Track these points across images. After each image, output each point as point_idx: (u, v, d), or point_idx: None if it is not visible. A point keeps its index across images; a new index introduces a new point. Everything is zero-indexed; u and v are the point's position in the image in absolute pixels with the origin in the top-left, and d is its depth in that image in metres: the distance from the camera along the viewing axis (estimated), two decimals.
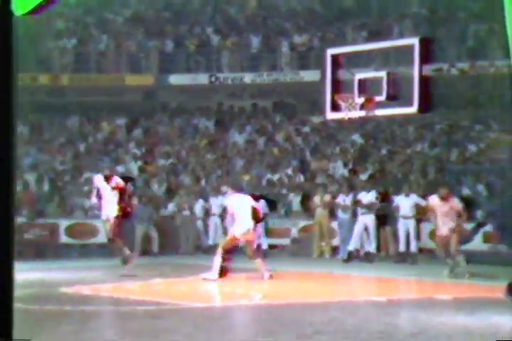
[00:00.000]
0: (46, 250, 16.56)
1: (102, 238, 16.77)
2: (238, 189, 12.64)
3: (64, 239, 17.32)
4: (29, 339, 4.70)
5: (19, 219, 17.84)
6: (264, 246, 16.52)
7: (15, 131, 2.23)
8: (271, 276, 12.03)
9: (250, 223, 11.91)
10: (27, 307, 9.22)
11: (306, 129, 22.04)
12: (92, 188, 12.76)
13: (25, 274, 12.75)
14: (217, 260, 11.96)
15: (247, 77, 23.60)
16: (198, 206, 17.51)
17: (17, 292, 9.42)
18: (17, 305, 9.10)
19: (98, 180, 12.59)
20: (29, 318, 8.60)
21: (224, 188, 12.54)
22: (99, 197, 12.43)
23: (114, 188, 12.21)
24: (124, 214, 12.39)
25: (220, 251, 12.01)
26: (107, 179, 12.40)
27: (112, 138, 22.82)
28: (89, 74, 24.60)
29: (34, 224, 17.40)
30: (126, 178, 13.14)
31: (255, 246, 12.69)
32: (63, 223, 17.45)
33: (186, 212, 17.47)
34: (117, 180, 12.39)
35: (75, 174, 19.90)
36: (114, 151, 21.92)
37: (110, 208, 12.28)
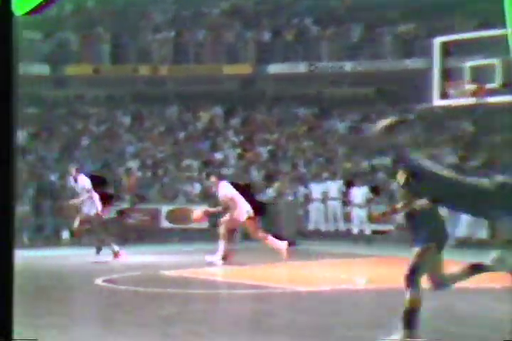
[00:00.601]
0: (148, 234, 16.81)
1: (202, 223, 16.94)
2: (222, 178, 12.72)
3: (165, 223, 17.54)
4: (30, 339, 4.71)
5: (122, 205, 18.28)
6: (368, 232, 16.32)
7: (16, 131, 2.28)
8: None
9: (249, 206, 12.05)
10: (131, 289, 9.36)
11: (411, 117, 21.60)
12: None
13: (128, 257, 12.94)
14: (221, 243, 11.95)
15: (348, 66, 23.45)
16: (299, 192, 17.55)
17: (121, 274, 9.48)
18: (122, 287, 9.15)
19: (71, 182, 13.01)
20: (133, 299, 8.69)
21: (212, 178, 12.35)
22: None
23: (82, 189, 12.49)
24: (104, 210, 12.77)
25: (223, 235, 11.97)
26: (76, 180, 12.67)
27: (210, 127, 23.11)
28: (187, 64, 25.15)
29: (136, 210, 17.72)
30: (96, 177, 13.33)
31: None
32: (164, 208, 17.68)
33: (288, 198, 17.49)
34: (83, 182, 12.56)
35: (175, 161, 20.24)
36: (213, 139, 22.19)
37: (89, 206, 12.54)
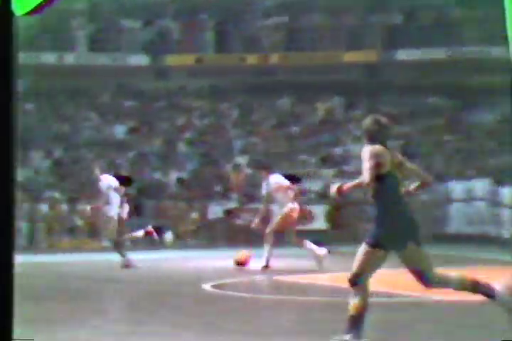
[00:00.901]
0: (258, 236, 16.96)
1: (319, 224, 16.92)
2: (271, 170, 12.86)
3: None
4: (30, 339, 4.83)
5: (230, 204, 18.43)
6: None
7: (16, 132, 2.48)
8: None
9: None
10: (243, 295, 9.42)
11: None
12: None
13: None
14: (266, 247, 12.15)
15: (497, 51, 22.79)
16: (437, 190, 17.30)
17: (231, 279, 9.43)
18: (232, 293, 9.14)
19: (97, 181, 13.11)
20: (246, 306, 8.68)
21: (262, 172, 12.70)
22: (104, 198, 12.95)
23: (108, 189, 12.77)
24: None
25: (268, 237, 12.14)
26: (100, 179, 13.00)
27: (329, 119, 23.10)
28: (301, 52, 25.30)
29: (245, 209, 17.86)
30: (122, 178, 13.45)
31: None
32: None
33: (424, 196, 17.25)
34: (108, 181, 12.83)
35: (289, 157, 20.32)
36: (332, 132, 22.16)
37: (109, 208, 12.83)
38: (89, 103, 25.94)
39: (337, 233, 17.36)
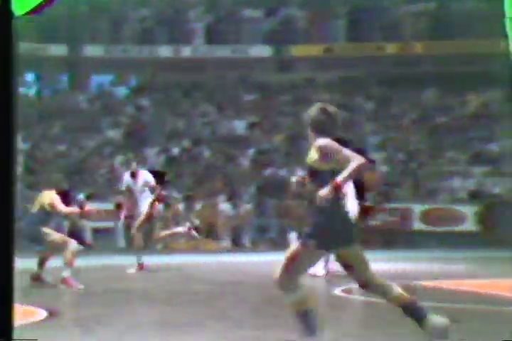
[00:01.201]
0: (396, 238, 17.04)
1: (468, 226, 16.80)
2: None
3: (418, 225, 17.96)
4: (31, 340, 4.99)
5: (368, 203, 18.36)
6: None
7: (16, 132, 2.68)
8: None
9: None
10: (374, 301, 9.09)
11: None
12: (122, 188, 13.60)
13: (374, 265, 12.77)
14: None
15: None
16: None
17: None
18: (361, 298, 8.78)
19: (126, 177, 13.47)
20: (377, 312, 8.37)
21: None
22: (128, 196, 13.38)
23: (144, 186, 13.16)
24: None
25: None
26: (134, 175, 13.24)
27: (482, 112, 22.90)
28: (450, 40, 25.34)
29: (382, 209, 18.05)
30: (156, 173, 13.83)
31: None
32: (417, 208, 18.16)
33: None
34: (146, 177, 13.23)
35: (434, 153, 20.12)
36: (486, 127, 21.77)
37: (142, 205, 13.23)
38: (206, 97, 26.34)
39: (488, 235, 17.22)
